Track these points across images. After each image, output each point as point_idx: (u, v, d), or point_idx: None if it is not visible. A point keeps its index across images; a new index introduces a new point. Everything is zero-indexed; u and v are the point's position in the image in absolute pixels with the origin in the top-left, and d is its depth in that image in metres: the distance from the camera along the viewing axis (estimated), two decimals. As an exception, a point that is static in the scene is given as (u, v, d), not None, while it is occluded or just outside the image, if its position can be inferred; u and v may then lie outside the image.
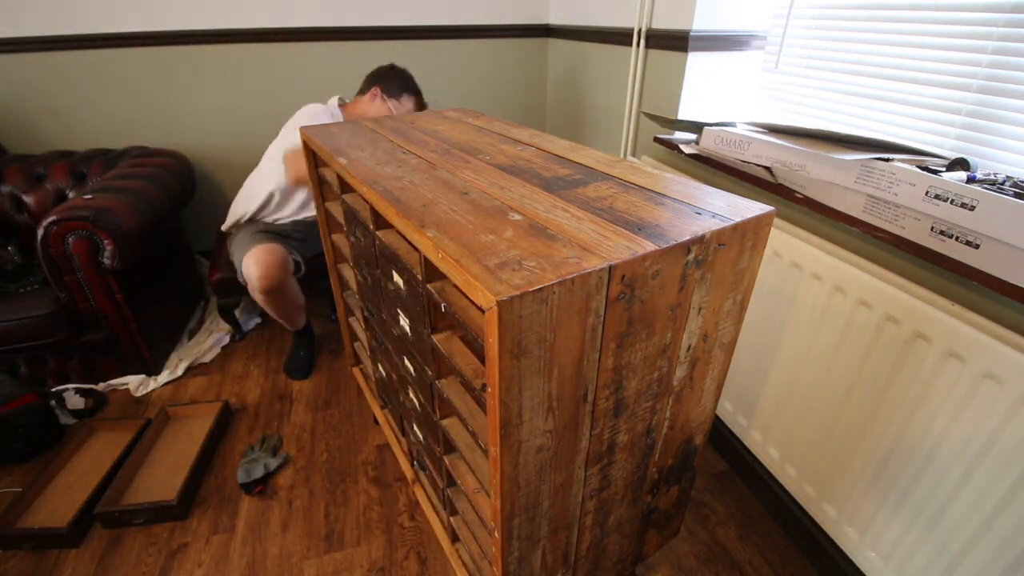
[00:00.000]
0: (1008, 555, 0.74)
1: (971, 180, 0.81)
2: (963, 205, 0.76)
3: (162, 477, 1.33)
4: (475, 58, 2.14)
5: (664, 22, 1.40)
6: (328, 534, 1.23)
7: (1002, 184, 0.79)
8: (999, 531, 0.75)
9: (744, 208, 0.67)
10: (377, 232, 0.81)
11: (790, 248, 1.03)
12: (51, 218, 1.36)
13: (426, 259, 0.66)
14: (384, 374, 1.15)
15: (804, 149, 0.99)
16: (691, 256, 0.61)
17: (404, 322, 0.84)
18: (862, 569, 0.98)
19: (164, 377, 1.70)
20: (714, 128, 1.18)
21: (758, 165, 1.09)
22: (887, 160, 0.87)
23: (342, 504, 1.30)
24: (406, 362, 0.91)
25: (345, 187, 0.97)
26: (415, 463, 1.14)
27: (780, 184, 1.09)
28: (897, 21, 1.00)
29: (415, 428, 1.01)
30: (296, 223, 1.67)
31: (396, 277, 0.80)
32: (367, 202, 0.82)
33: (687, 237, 0.59)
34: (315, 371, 1.77)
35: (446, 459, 0.86)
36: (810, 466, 1.08)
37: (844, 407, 0.98)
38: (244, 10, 1.81)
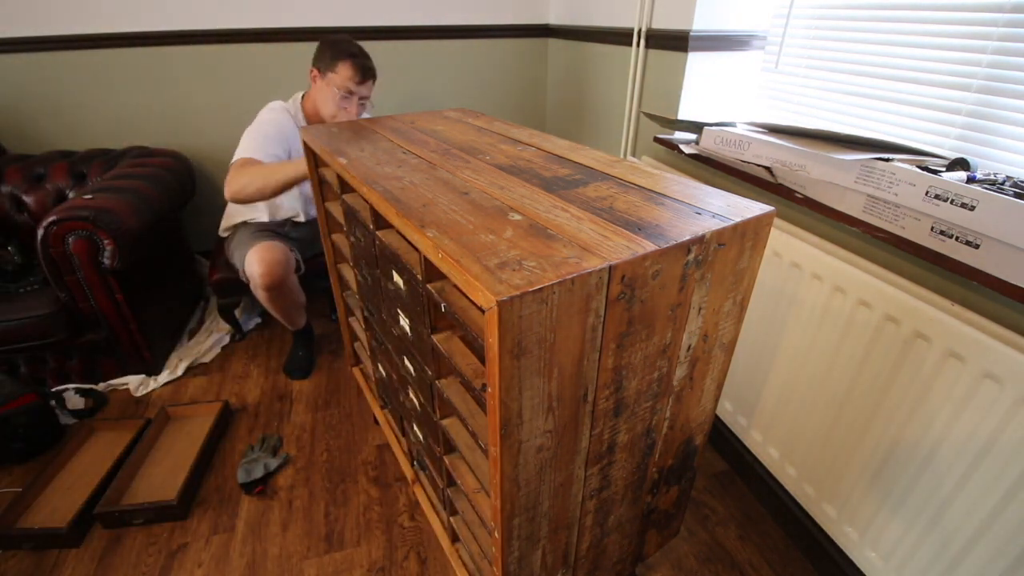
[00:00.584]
0: (1008, 555, 0.74)
1: (971, 180, 0.81)
2: (963, 205, 0.76)
3: (162, 477, 1.33)
4: (475, 58, 2.14)
5: (664, 22, 1.40)
6: (328, 534, 1.23)
7: (1002, 184, 0.79)
8: (999, 531, 0.75)
9: (744, 208, 0.67)
10: (377, 232, 0.81)
11: (790, 248, 1.03)
12: (51, 218, 1.36)
13: (426, 259, 0.66)
14: (384, 374, 1.15)
15: (804, 149, 0.99)
16: (691, 256, 0.61)
17: (404, 322, 0.84)
18: (862, 569, 0.98)
19: (164, 377, 1.70)
20: (714, 128, 1.18)
21: (758, 165, 1.09)
22: (887, 160, 0.87)
23: (342, 504, 1.30)
24: (406, 362, 0.91)
25: (345, 187, 0.97)
26: (415, 463, 1.14)
27: (780, 184, 1.09)
28: (897, 21, 1.00)
29: (415, 428, 1.01)
30: (295, 224, 1.67)
31: (396, 277, 0.80)
32: (367, 202, 0.82)
33: (687, 237, 0.59)
34: (315, 371, 1.77)
35: (446, 459, 0.86)
36: (810, 466, 1.08)
37: (844, 407, 0.98)
38: (244, 10, 1.81)
